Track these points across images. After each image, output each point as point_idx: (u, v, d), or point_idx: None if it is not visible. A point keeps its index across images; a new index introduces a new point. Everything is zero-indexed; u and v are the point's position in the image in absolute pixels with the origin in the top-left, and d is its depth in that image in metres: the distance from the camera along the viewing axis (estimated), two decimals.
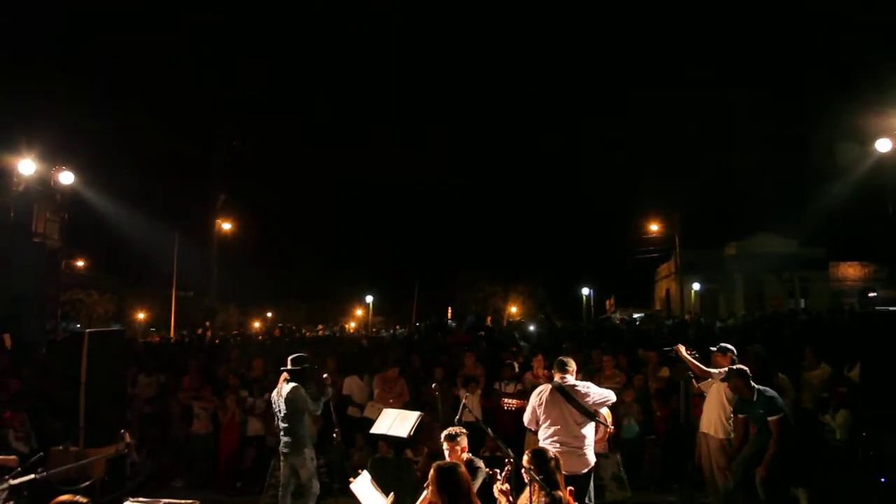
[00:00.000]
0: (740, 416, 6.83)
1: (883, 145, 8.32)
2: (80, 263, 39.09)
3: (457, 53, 72.38)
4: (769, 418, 6.51)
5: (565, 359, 6.20)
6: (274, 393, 6.94)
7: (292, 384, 6.76)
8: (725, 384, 6.81)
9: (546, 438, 5.81)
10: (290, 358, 6.96)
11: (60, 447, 7.17)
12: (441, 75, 69.84)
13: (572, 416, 5.79)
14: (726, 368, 6.94)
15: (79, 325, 36.51)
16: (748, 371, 6.77)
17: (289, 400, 6.67)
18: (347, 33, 67.65)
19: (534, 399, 6.04)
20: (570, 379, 6.01)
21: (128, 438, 5.61)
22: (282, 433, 6.75)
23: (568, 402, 5.83)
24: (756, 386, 6.69)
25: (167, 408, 10.10)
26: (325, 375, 7.11)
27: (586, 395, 5.89)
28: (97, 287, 41.30)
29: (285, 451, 6.70)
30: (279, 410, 6.76)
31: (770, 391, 6.75)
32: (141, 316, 46.61)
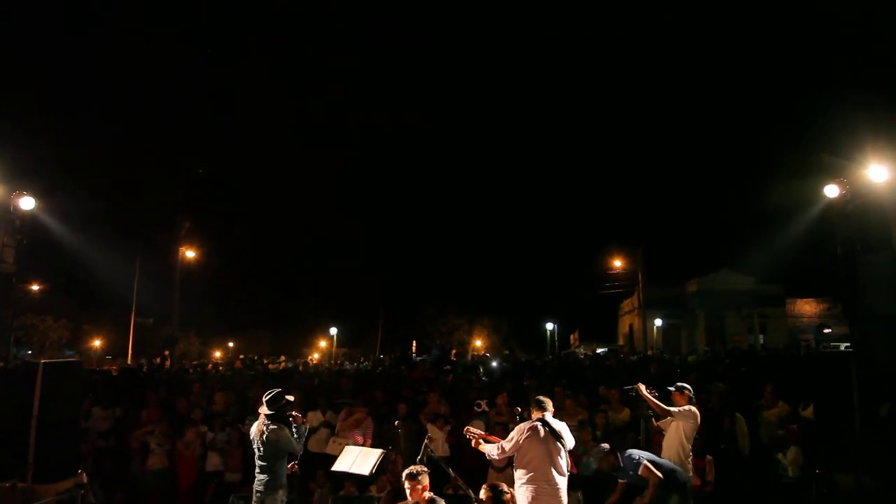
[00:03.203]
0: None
1: (831, 191, 8.76)
2: (36, 288, 37.92)
3: (423, 88, 73.31)
4: None
5: (543, 398, 6.27)
6: (253, 431, 6.79)
7: (275, 425, 6.65)
8: (684, 422, 6.94)
9: (525, 477, 5.79)
10: (265, 398, 6.77)
11: (7, 484, 6.88)
12: (409, 107, 70.56)
13: (558, 453, 5.85)
14: (686, 407, 7.07)
15: (30, 352, 35.37)
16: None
17: (272, 441, 6.58)
18: (324, 59, 68.07)
19: (517, 434, 5.98)
20: (549, 417, 6.08)
21: (84, 478, 5.44)
22: (259, 471, 6.63)
23: (554, 439, 5.88)
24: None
25: (124, 442, 9.83)
26: (296, 414, 6.96)
27: (565, 434, 6.00)
28: (52, 312, 40.11)
29: (259, 489, 6.56)
30: (258, 449, 6.65)
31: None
32: (97, 343, 45.28)
